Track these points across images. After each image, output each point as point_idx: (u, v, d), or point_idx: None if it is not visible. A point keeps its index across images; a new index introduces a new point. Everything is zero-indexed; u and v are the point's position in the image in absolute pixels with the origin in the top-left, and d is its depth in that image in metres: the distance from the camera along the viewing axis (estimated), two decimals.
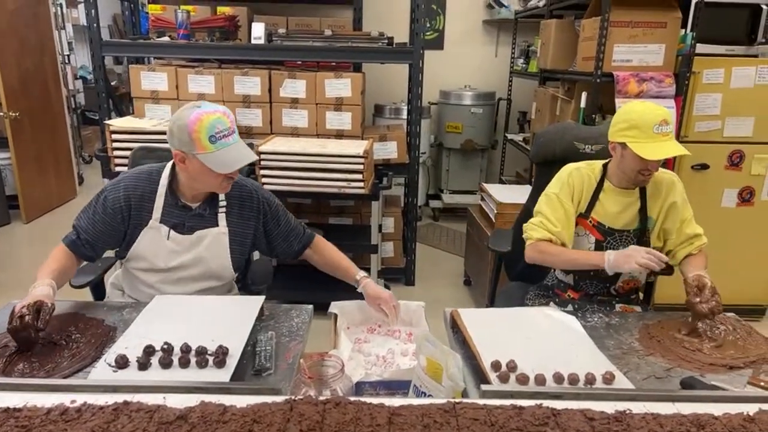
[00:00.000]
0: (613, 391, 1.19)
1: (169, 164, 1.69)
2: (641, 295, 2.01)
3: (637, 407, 1.06)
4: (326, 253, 1.88)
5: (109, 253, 1.82)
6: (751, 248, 3.09)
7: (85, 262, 1.74)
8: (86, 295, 1.90)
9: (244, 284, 1.96)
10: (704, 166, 2.94)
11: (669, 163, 2.80)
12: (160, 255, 1.69)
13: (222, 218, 1.73)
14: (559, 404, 1.07)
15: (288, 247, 1.85)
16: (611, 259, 1.66)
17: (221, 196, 1.72)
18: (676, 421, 1.01)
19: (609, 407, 1.06)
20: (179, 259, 1.70)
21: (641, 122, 1.65)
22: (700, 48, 2.82)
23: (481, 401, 1.07)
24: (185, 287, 1.74)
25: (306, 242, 1.87)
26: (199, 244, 1.71)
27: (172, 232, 1.68)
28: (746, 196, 3.02)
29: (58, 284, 1.51)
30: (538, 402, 1.07)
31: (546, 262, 1.86)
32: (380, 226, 3.32)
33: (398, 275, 3.68)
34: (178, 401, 1.03)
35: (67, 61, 6.38)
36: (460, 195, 5.06)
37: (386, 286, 3.50)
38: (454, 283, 3.78)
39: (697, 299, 1.53)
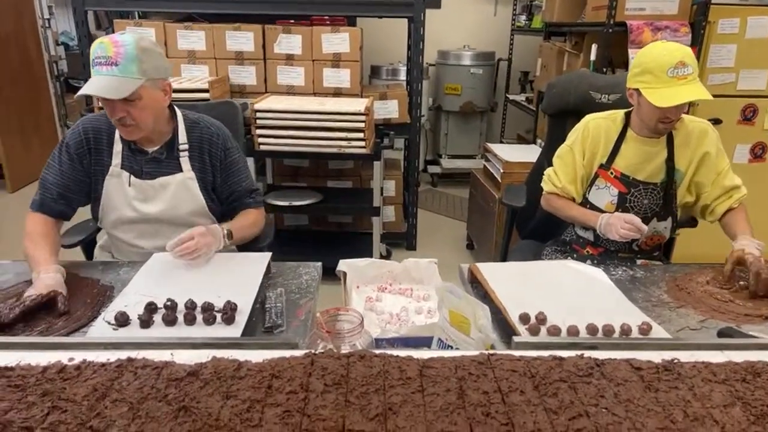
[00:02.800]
0: (655, 340, 1.12)
1: None
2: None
3: (684, 356, 0.99)
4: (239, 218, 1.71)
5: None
6: (763, 205, 3.01)
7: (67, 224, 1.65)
8: (77, 255, 1.79)
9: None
10: (717, 121, 2.84)
11: None
12: (125, 203, 1.60)
13: (186, 162, 1.63)
14: (599, 355, 0.99)
15: (223, 202, 1.73)
16: (603, 223, 1.63)
17: (181, 139, 1.62)
18: (729, 369, 0.94)
19: (654, 357, 0.98)
20: (145, 207, 1.61)
21: (655, 65, 1.54)
22: None
23: (517, 353, 0.99)
24: (166, 240, 1.63)
25: (238, 206, 1.73)
26: (164, 191, 1.61)
27: (133, 178, 1.58)
28: (758, 152, 2.94)
29: (56, 256, 1.42)
30: (578, 353, 0.99)
31: (555, 214, 1.86)
32: (382, 189, 3.21)
33: (400, 240, 3.60)
34: (186, 357, 0.94)
35: (47, 26, 6.10)
36: (460, 160, 4.96)
37: (388, 251, 3.43)
38: (456, 248, 3.70)
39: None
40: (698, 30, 2.66)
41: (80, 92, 1.47)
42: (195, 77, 3.01)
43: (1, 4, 4.46)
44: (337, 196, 3.35)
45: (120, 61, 1.42)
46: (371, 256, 3.12)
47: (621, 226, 1.56)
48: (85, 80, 3.01)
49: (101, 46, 1.43)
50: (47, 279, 1.29)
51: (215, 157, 1.66)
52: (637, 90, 1.61)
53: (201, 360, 0.93)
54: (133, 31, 1.84)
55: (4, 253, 1.38)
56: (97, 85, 1.42)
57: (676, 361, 0.96)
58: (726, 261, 1.47)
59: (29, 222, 1.52)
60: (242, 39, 3.07)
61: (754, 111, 2.87)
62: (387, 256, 3.37)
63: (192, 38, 3.07)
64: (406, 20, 3.67)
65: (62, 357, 0.93)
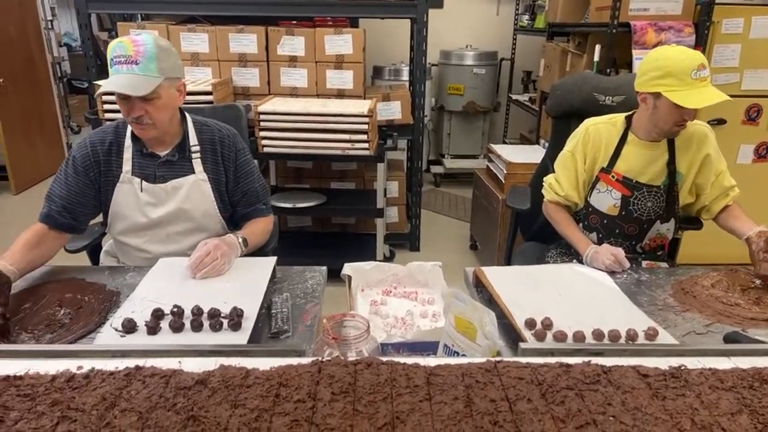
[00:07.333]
0: (661, 346, 1.12)
1: None
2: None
3: (691, 363, 0.99)
4: (248, 226, 1.72)
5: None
6: (766, 205, 3.01)
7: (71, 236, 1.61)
8: (83, 260, 1.80)
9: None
10: (721, 121, 2.84)
11: None
12: (137, 209, 1.60)
13: (198, 164, 1.63)
14: (605, 361, 0.99)
15: (235, 206, 1.73)
16: (590, 254, 1.62)
17: (192, 140, 1.62)
18: (736, 376, 0.94)
19: (660, 363, 0.98)
20: (157, 212, 1.60)
21: (677, 69, 1.52)
22: None
23: (523, 359, 0.99)
24: (176, 245, 1.65)
25: (249, 213, 1.73)
26: (175, 194, 1.61)
27: (145, 183, 1.58)
28: (762, 152, 2.93)
29: (27, 260, 1.38)
30: (585, 359, 0.99)
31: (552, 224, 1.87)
32: (385, 190, 3.21)
33: (403, 240, 3.60)
34: (194, 365, 0.95)
35: (50, 27, 6.11)
36: (463, 160, 4.95)
37: (391, 252, 3.43)
38: (460, 248, 3.70)
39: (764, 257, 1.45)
40: (702, 30, 2.65)
41: (100, 90, 1.46)
42: (198, 79, 3.02)
43: (4, 6, 4.47)
44: (341, 197, 3.35)
45: (140, 59, 1.42)
46: (374, 257, 3.13)
47: (607, 257, 1.56)
48: (89, 81, 3.04)
49: (121, 45, 1.42)
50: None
51: (228, 158, 1.67)
52: (654, 94, 1.58)
53: (209, 368, 0.94)
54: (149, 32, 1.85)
55: None
56: (117, 82, 1.42)
57: (683, 367, 0.96)
58: (753, 248, 1.51)
59: (26, 230, 1.48)
60: (245, 41, 3.07)
61: (758, 111, 2.86)
62: (390, 257, 3.37)
63: (195, 40, 3.07)
64: (408, 20, 3.67)
65: (71, 365, 0.94)
